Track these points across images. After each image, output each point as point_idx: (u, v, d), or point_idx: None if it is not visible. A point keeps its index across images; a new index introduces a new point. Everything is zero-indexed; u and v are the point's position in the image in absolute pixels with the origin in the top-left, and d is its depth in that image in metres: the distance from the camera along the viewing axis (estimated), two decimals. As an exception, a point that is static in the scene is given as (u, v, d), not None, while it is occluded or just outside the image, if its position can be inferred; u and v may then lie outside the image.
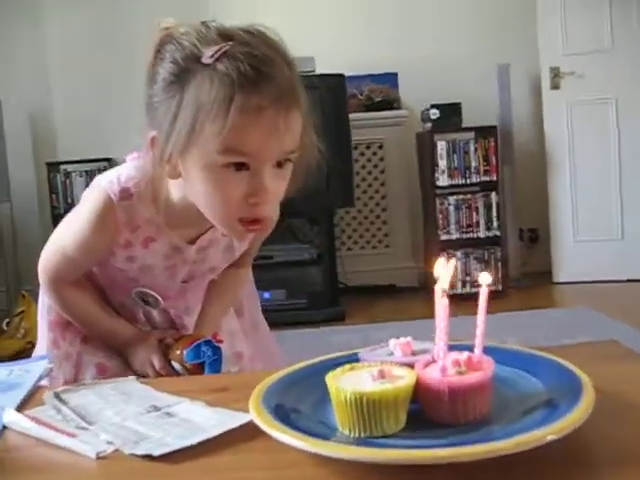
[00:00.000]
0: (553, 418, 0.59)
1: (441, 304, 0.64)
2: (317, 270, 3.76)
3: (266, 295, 3.58)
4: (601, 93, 3.84)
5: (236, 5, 3.99)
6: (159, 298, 1.11)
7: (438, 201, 3.80)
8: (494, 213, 3.79)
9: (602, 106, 3.86)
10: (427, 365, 0.65)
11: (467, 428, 0.61)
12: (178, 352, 1.04)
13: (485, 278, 0.67)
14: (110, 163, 4.03)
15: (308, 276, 3.88)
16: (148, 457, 0.62)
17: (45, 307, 1.15)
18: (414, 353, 0.71)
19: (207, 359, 1.02)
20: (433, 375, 0.63)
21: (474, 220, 3.81)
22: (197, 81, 0.85)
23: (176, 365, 1.04)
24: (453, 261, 0.68)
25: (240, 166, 0.86)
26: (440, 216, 3.80)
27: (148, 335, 1.11)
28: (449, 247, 3.81)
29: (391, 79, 4.21)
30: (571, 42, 3.85)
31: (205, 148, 0.85)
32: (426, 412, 0.64)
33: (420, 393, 0.63)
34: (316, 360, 0.77)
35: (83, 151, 4.10)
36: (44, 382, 0.92)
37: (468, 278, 3.80)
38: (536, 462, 0.57)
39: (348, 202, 3.68)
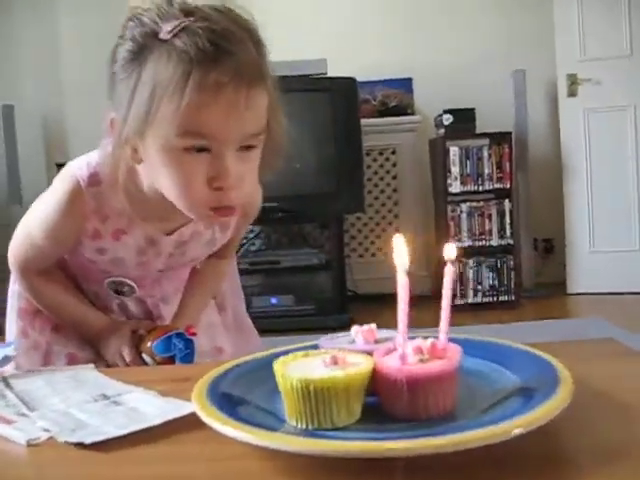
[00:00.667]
0: (524, 412, 0.53)
1: (401, 283, 0.58)
2: (326, 276, 3.71)
3: (273, 300, 3.53)
4: (619, 100, 3.75)
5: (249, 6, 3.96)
6: (134, 286, 1.07)
7: (450, 208, 3.74)
8: (507, 221, 3.72)
9: (620, 114, 3.77)
10: (387, 353, 0.60)
11: (428, 423, 0.56)
12: (149, 344, 1.00)
13: (450, 251, 0.60)
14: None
15: (316, 282, 3.82)
16: (80, 445, 0.58)
17: (15, 295, 1.11)
18: (377, 341, 0.65)
19: (178, 352, 0.97)
20: (391, 363, 0.57)
21: (487, 228, 3.73)
22: (155, 58, 0.80)
23: (147, 358, 0.99)
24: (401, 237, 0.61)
25: (201, 149, 0.81)
26: (452, 223, 3.74)
27: (121, 325, 1.07)
28: (461, 255, 3.73)
29: (406, 84, 4.16)
30: (589, 48, 3.78)
31: (163, 129, 0.80)
32: (384, 405, 0.58)
33: (377, 383, 0.58)
34: (277, 350, 0.71)
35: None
36: (7, 368, 0.88)
37: (480, 287, 3.73)
38: (508, 459, 0.51)
39: (358, 208, 3.63)
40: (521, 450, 0.52)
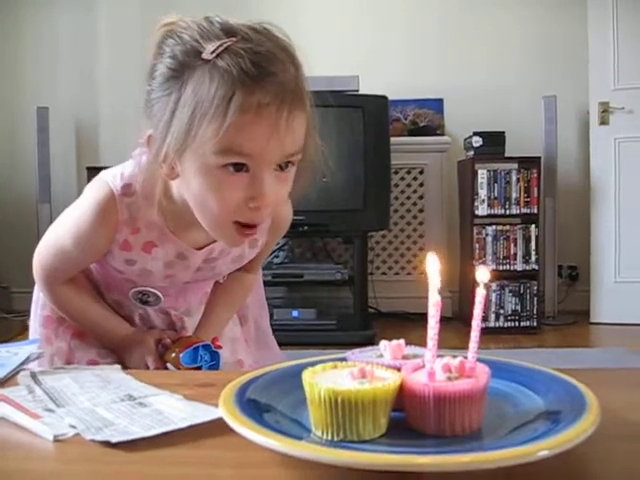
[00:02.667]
0: (550, 435, 0.53)
1: (432, 302, 0.58)
2: (348, 292, 3.71)
3: (295, 313, 3.53)
4: (651, 131, 3.73)
5: (280, 22, 4.00)
6: (160, 295, 1.07)
7: (476, 230, 3.72)
8: (533, 246, 3.69)
9: (652, 144, 3.74)
10: (416, 370, 0.60)
11: (453, 440, 0.56)
12: (174, 354, 1.00)
13: (483, 275, 0.60)
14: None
15: (339, 297, 3.82)
16: (106, 443, 0.58)
17: (39, 303, 1.11)
18: (405, 357, 0.65)
19: (204, 364, 0.98)
20: (419, 379, 0.57)
21: (512, 252, 3.71)
22: (196, 77, 0.81)
23: (171, 367, 1.00)
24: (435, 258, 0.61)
25: (239, 167, 0.81)
26: (477, 246, 3.72)
27: (145, 335, 1.07)
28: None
29: (436, 105, 4.17)
30: (622, 77, 3.75)
31: (202, 148, 0.80)
32: (410, 420, 0.58)
33: (404, 399, 0.58)
34: (304, 360, 0.72)
35: (125, 158, 4.13)
36: (32, 365, 0.89)
37: (502, 311, 3.70)
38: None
39: (384, 225, 3.63)
40: (545, 473, 0.52)
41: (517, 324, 3.69)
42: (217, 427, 0.60)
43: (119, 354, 1.06)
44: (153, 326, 1.11)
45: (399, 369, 0.60)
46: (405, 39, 4.24)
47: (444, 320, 3.38)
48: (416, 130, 4.12)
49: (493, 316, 3.70)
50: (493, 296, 3.70)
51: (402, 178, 4.11)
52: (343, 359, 0.67)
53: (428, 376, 0.57)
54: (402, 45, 4.23)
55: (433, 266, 0.58)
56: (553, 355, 3.07)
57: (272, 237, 1.10)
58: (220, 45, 0.80)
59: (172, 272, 1.03)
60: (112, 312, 1.09)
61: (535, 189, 3.68)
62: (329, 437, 0.56)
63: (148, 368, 1.01)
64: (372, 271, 3.98)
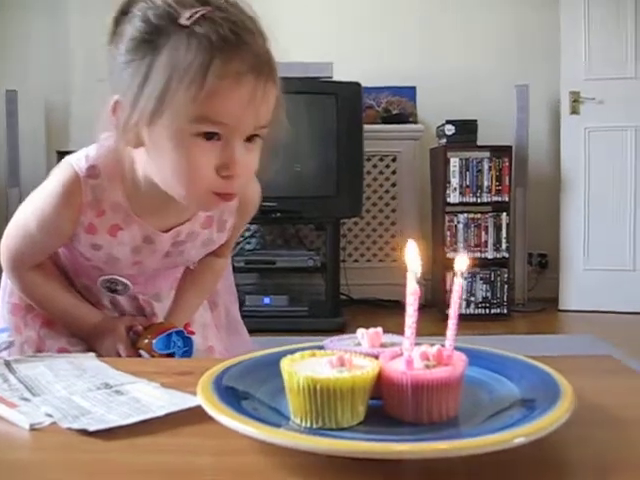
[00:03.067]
0: (525, 422, 0.54)
1: (410, 290, 0.59)
2: (320, 279, 3.72)
3: (266, 300, 3.53)
4: (620, 121, 3.78)
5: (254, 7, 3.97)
6: (129, 284, 1.06)
7: (447, 218, 3.75)
8: (504, 234, 3.73)
9: (620, 134, 3.79)
10: (394, 358, 0.61)
11: (430, 427, 0.57)
12: (146, 341, 1.00)
13: (461, 264, 0.61)
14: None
15: (311, 284, 3.83)
16: (83, 432, 0.58)
17: (7, 290, 1.09)
18: (383, 345, 0.66)
19: (177, 350, 0.98)
20: (397, 368, 0.58)
21: (482, 240, 3.75)
22: (172, 42, 0.80)
23: (144, 354, 0.99)
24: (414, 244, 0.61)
25: (211, 135, 0.82)
26: (448, 233, 3.75)
27: (115, 322, 1.06)
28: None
29: (409, 93, 4.18)
30: (593, 68, 3.80)
31: (176, 115, 0.80)
32: (388, 408, 0.59)
33: (382, 387, 0.58)
34: (281, 348, 0.72)
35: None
36: (4, 354, 0.88)
37: (473, 299, 3.74)
38: (505, 467, 0.52)
39: (356, 212, 3.64)
40: (521, 459, 0.53)
41: (488, 311, 3.73)
42: (195, 415, 0.60)
43: (89, 342, 1.05)
44: (123, 311, 1.10)
45: (377, 357, 0.61)
46: (379, 26, 4.24)
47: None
48: (389, 118, 4.13)
49: (464, 303, 3.73)
50: (464, 283, 3.74)
51: (375, 165, 4.12)
52: (321, 347, 0.67)
53: (406, 364, 0.57)
54: (376, 32, 4.23)
55: (412, 254, 0.58)
56: (522, 342, 3.12)
57: (240, 219, 1.09)
58: (196, 12, 0.80)
59: (139, 258, 1.02)
60: (81, 299, 1.08)
61: (506, 177, 3.72)
62: (308, 424, 0.56)
63: (120, 356, 1.00)
64: (344, 258, 3.99)
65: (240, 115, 0.81)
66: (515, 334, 3.37)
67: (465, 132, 3.72)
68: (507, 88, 3.98)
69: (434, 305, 3.94)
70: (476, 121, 3.76)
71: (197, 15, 0.80)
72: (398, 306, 4.04)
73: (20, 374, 0.73)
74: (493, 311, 3.73)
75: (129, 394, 0.68)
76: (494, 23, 4.22)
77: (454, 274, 0.61)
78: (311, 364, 0.59)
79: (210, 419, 0.57)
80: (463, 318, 3.72)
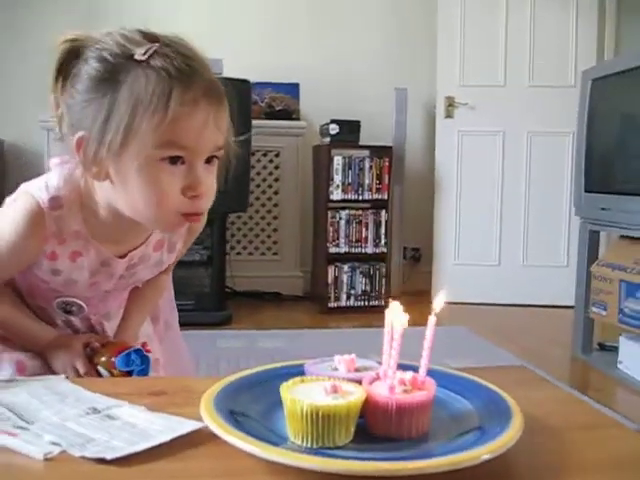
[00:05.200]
0: (485, 439, 0.64)
1: (397, 334, 0.68)
2: (206, 272, 3.74)
3: (152, 294, 3.51)
4: (490, 126, 4.07)
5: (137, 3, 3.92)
6: (83, 305, 1.09)
7: (330, 214, 3.88)
8: (382, 230, 3.92)
9: (490, 138, 4.09)
10: (372, 382, 0.69)
11: (409, 443, 0.66)
12: (104, 359, 1.03)
13: (438, 303, 0.71)
14: (3, 145, 3.85)
15: (196, 277, 3.84)
16: (99, 460, 0.62)
17: None
18: (357, 369, 0.74)
19: (136, 367, 1.02)
20: (381, 392, 0.66)
21: (363, 235, 3.92)
22: (132, 77, 0.86)
23: (102, 371, 1.03)
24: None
25: (175, 160, 0.87)
26: (331, 229, 3.89)
27: (71, 339, 1.08)
28: (337, 260, 3.90)
29: (292, 90, 4.27)
30: (467, 75, 4.06)
31: (142, 143, 0.86)
32: (371, 426, 0.68)
33: (368, 408, 0.67)
34: (260, 369, 0.79)
35: None
36: None
37: (353, 291, 3.91)
38: (465, 478, 0.61)
39: (242, 207, 3.69)
40: (484, 471, 0.62)
41: (367, 303, 3.91)
42: (192, 439, 0.66)
43: (45, 357, 1.07)
44: (76, 329, 1.12)
45: (357, 381, 0.69)
46: (266, 22, 4.29)
47: (295, 299, 3.62)
48: (272, 113, 4.21)
49: (344, 296, 3.89)
50: (345, 277, 3.89)
51: (258, 160, 4.19)
52: (299, 371, 0.74)
53: (389, 389, 0.66)
54: (263, 27, 4.27)
55: (399, 312, 0.67)
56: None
57: (189, 238, 1.15)
58: (150, 47, 0.87)
59: (96, 279, 1.05)
60: (34, 318, 1.09)
61: (386, 176, 3.90)
62: (308, 445, 0.63)
63: (77, 372, 1.02)
64: (228, 251, 4.04)
65: (200, 137, 0.87)
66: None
67: (348, 131, 3.86)
68: (387, 90, 4.17)
69: (314, 298, 4.08)
70: (359, 122, 3.91)
71: (151, 51, 0.87)
72: (278, 298, 4.15)
73: (4, 401, 0.75)
74: (372, 303, 3.92)
75: (121, 419, 0.72)
76: (374, 27, 4.39)
77: (431, 312, 0.70)
78: (306, 391, 0.66)
79: (210, 440, 0.63)
80: (344, 310, 3.90)
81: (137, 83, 0.86)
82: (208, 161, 0.91)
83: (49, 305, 1.09)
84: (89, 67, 0.89)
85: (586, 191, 3.00)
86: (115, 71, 0.87)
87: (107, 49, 0.88)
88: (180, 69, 0.86)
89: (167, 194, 0.89)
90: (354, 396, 0.65)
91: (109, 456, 0.62)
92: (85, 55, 0.90)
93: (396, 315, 0.68)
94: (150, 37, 0.89)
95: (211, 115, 0.87)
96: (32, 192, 0.97)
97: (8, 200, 1.01)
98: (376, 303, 3.92)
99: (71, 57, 0.91)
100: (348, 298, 3.91)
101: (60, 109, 0.94)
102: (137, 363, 1.01)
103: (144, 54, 0.86)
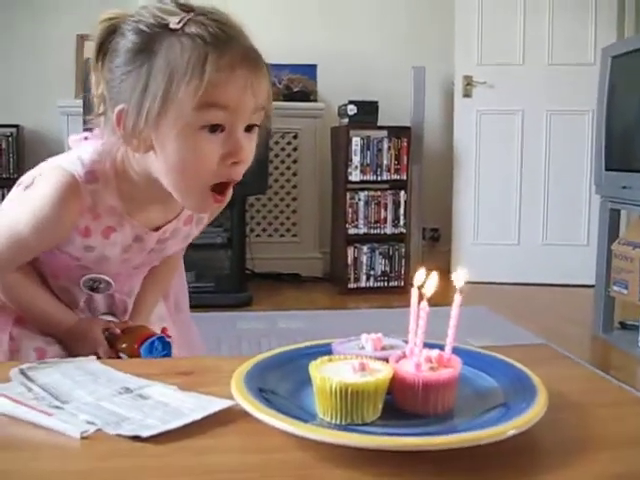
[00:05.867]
0: (511, 415, 0.65)
1: (422, 308, 0.69)
2: (226, 255, 3.77)
3: (173, 277, 3.54)
4: (509, 105, 4.04)
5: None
6: (111, 282, 1.10)
7: (349, 195, 3.89)
8: (402, 211, 3.92)
9: (509, 117, 4.06)
10: (399, 360, 0.70)
11: (435, 420, 0.67)
12: (125, 345, 1.05)
13: (459, 280, 0.72)
14: (18, 130, 3.89)
15: (217, 260, 3.87)
16: (135, 438, 0.64)
17: None
18: (384, 348, 0.75)
19: (157, 354, 1.04)
20: (408, 369, 0.68)
21: (382, 216, 3.92)
22: (166, 46, 0.87)
23: (124, 357, 1.05)
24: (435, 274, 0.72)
25: (215, 128, 0.88)
26: (350, 210, 3.89)
27: (92, 325, 1.09)
28: (356, 241, 3.91)
29: (310, 71, 4.26)
30: (485, 54, 4.03)
31: (180, 111, 0.86)
32: (398, 403, 0.69)
33: (395, 386, 0.68)
34: (287, 348, 0.81)
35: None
36: None
37: (372, 272, 3.92)
38: (500, 452, 0.63)
39: (262, 189, 3.70)
40: (508, 446, 0.63)
41: (386, 284, 3.92)
42: (222, 417, 0.68)
43: (66, 343, 1.08)
44: (95, 309, 1.14)
45: (386, 360, 0.70)
46: (281, 2, 4.28)
47: (314, 280, 3.63)
48: (290, 95, 4.20)
49: (364, 277, 3.91)
50: (364, 258, 3.90)
51: (276, 142, 4.19)
52: (327, 350, 0.76)
53: (415, 367, 0.68)
54: (278, 9, 4.26)
55: (427, 279, 0.68)
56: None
57: (213, 214, 1.16)
58: (184, 16, 0.88)
59: (128, 256, 1.06)
60: (57, 301, 1.10)
61: (405, 157, 3.90)
62: (337, 421, 0.65)
63: (99, 358, 1.04)
64: (247, 233, 4.06)
65: (240, 99, 0.87)
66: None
67: (367, 112, 3.85)
68: (405, 69, 4.14)
69: (333, 279, 4.09)
70: (377, 102, 3.90)
71: (185, 19, 0.88)
72: (297, 279, 4.17)
73: (39, 382, 0.77)
74: (391, 284, 3.93)
75: (153, 398, 0.73)
76: (393, 6, 4.35)
77: (456, 291, 0.71)
78: (334, 369, 0.67)
79: (240, 418, 0.65)
80: (363, 291, 3.91)
81: (172, 51, 0.87)
82: (248, 130, 0.91)
83: (74, 285, 1.10)
84: (126, 40, 0.90)
85: (607, 169, 2.98)
86: (151, 41, 0.88)
87: (143, 21, 0.90)
88: (215, 35, 0.87)
89: (205, 161, 0.89)
90: (382, 374, 0.66)
91: (144, 434, 0.64)
92: (122, 30, 0.91)
93: (425, 281, 0.69)
94: (185, 7, 0.90)
95: (249, 81, 0.88)
96: (64, 166, 0.97)
97: (25, 178, 1.01)
98: (395, 284, 3.93)
99: (110, 34, 0.93)
100: (367, 279, 3.92)
101: (101, 87, 0.95)
102: (159, 350, 1.03)
103: (178, 22, 0.87)
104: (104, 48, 0.93)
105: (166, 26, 0.88)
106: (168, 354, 1.04)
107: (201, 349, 1.40)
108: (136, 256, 1.08)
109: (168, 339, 1.05)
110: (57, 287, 1.11)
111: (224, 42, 0.87)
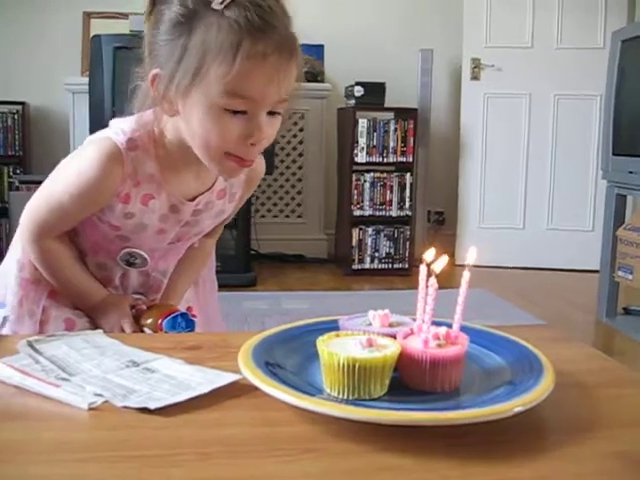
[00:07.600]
0: (517, 392, 0.65)
1: (431, 284, 0.69)
2: (231, 235, 3.76)
3: (178, 257, 3.55)
4: (516, 88, 4.01)
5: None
6: (147, 258, 1.12)
7: (354, 177, 3.88)
8: (407, 193, 3.91)
9: (516, 100, 4.04)
10: (407, 336, 0.71)
11: (442, 396, 0.67)
12: (150, 320, 1.07)
13: (471, 256, 0.71)
14: (24, 107, 3.88)
15: (222, 240, 3.86)
16: (142, 410, 0.64)
17: (19, 265, 1.11)
18: (391, 325, 0.75)
19: (180, 330, 1.04)
20: (416, 346, 0.68)
21: (387, 199, 3.91)
22: (205, 24, 0.89)
23: (148, 332, 1.06)
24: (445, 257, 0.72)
25: (238, 111, 0.90)
26: (355, 192, 3.89)
27: (121, 299, 1.12)
28: (361, 222, 3.90)
29: (317, 51, 4.23)
30: (494, 36, 4.00)
31: (208, 90, 0.89)
32: (405, 379, 0.69)
33: (402, 362, 0.68)
34: (295, 324, 0.81)
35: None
36: (4, 330, 0.91)
37: (377, 254, 3.92)
38: (504, 428, 0.63)
39: (268, 170, 3.68)
40: (513, 422, 0.64)
41: (391, 266, 3.92)
42: (230, 391, 0.68)
43: (94, 316, 1.10)
44: (128, 286, 1.16)
45: (393, 336, 0.70)
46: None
47: (319, 262, 3.64)
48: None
49: (368, 259, 3.91)
50: (369, 240, 3.90)
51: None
52: (334, 326, 0.76)
53: (423, 343, 0.68)
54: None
55: (437, 257, 0.68)
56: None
57: (247, 191, 1.18)
58: None
59: (164, 226, 1.08)
60: (90, 275, 1.12)
61: (411, 139, 3.88)
62: (344, 396, 0.65)
63: (123, 331, 1.05)
64: (252, 214, 4.06)
65: (265, 91, 0.89)
66: (416, 288, 3.56)
67: (373, 94, 3.84)
68: (413, 51, 4.12)
69: (338, 260, 4.09)
70: (384, 83, 3.88)
71: (228, 1, 0.88)
72: (302, 260, 4.17)
73: (46, 354, 0.77)
74: (396, 266, 3.93)
75: (160, 372, 0.74)
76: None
77: (466, 267, 0.71)
78: (342, 344, 0.68)
79: (247, 392, 0.66)
80: (368, 273, 3.92)
81: (209, 31, 0.88)
82: (271, 113, 0.93)
83: (111, 260, 1.12)
84: (170, 10, 0.92)
85: (614, 154, 2.96)
86: (192, 16, 0.90)
87: None
88: (252, 22, 0.87)
89: (225, 138, 0.92)
90: (390, 349, 0.66)
91: (152, 406, 0.64)
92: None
93: (433, 260, 0.69)
94: None
95: (281, 69, 0.89)
96: (109, 135, 1.01)
97: (85, 145, 1.05)
98: (400, 266, 3.93)
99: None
100: (372, 261, 3.92)
101: (147, 47, 0.98)
102: (182, 326, 1.04)
103: (221, 3, 0.88)
104: (154, 11, 0.95)
105: (209, 4, 0.89)
106: (191, 331, 1.05)
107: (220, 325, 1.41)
108: (171, 228, 1.10)
109: (192, 317, 1.06)
110: (95, 264, 1.13)
111: (260, 30, 0.88)
